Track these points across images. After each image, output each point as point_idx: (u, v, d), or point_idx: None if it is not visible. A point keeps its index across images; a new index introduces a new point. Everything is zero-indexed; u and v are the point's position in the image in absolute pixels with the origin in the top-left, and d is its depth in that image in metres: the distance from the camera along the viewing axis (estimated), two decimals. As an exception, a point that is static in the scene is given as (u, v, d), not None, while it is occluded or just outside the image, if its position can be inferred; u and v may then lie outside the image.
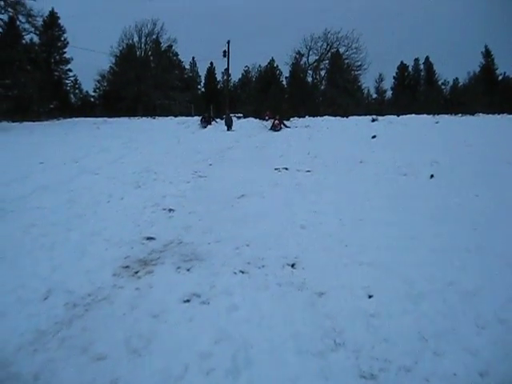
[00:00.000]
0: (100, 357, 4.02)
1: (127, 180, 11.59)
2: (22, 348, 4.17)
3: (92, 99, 59.55)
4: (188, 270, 6.01)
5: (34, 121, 30.89)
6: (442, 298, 4.87)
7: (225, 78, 56.74)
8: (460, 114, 30.02)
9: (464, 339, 4.09)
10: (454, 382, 3.55)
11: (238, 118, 32.86)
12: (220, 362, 3.85)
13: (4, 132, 23.58)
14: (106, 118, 33.69)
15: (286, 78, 61.52)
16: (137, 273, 5.97)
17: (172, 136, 22.09)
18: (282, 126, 26.16)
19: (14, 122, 29.80)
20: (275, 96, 47.18)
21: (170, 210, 9.09)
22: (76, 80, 57.83)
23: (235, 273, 5.85)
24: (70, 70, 54.81)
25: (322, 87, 59.29)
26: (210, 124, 28.82)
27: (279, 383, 3.59)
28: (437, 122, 23.67)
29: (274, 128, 25.45)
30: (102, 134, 23.13)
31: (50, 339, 4.33)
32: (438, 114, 28.66)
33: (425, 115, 27.53)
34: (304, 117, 31.76)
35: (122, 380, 3.67)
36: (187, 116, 35.32)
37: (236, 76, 67.22)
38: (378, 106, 55.66)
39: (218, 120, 29.96)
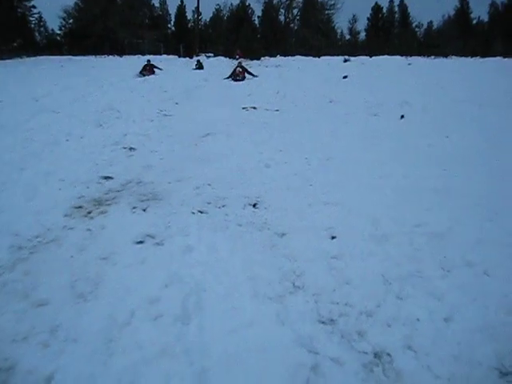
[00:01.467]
0: (42, 302, 3.73)
1: (88, 119, 11.10)
2: (-43, 295, 3.86)
3: (58, 38, 57.49)
4: (144, 210, 5.71)
5: (-6, 59, 29.61)
6: (408, 240, 4.66)
7: (195, 16, 55.00)
8: (433, 57, 29.84)
9: (429, 283, 3.89)
10: (417, 327, 3.35)
11: (208, 57, 32.11)
12: (169, 308, 3.58)
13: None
14: (70, 57, 32.65)
15: (258, 17, 60.05)
16: (90, 213, 5.65)
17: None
18: (246, 74, 20.86)
19: (-28, 59, 28.54)
20: (247, 35, 46.06)
21: (131, 148, 8.72)
22: (41, 17, 55.83)
23: (193, 213, 5.58)
24: (33, 7, 52.20)
25: (295, 27, 58.12)
26: (153, 74, 22.68)
27: (231, 329, 3.34)
28: (409, 64, 23.51)
29: (235, 77, 20.54)
30: (66, 72, 22.26)
31: (-12, 285, 4.04)
32: (411, 56, 28.40)
33: (398, 57, 27.40)
34: (275, 56, 31.21)
35: (63, 327, 3.39)
36: (155, 55, 34.28)
37: (207, 15, 65.78)
38: (351, 48, 55.02)
39: (161, 68, 24.07)
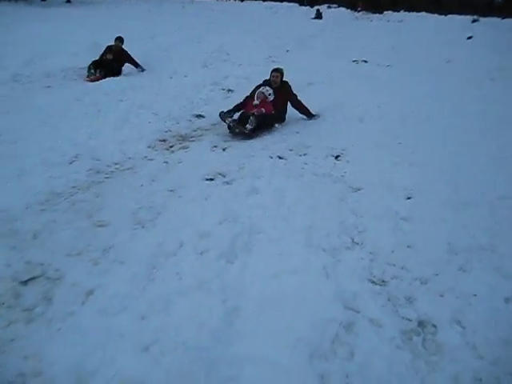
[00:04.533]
0: (102, 224, 3.88)
1: (196, 59, 11.34)
2: (31, 207, 4.09)
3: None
4: (224, 149, 5.77)
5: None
6: (488, 212, 4.28)
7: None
8: None
9: (499, 259, 3.54)
10: (470, 302, 3.06)
11: (329, 7, 31.19)
12: (217, 244, 3.56)
13: (87, 5, 23.54)
14: (192, -1, 32.98)
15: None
16: (171, 147, 5.83)
17: (255, 19, 21.30)
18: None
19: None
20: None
21: (229, 90, 8.82)
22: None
23: (271, 157, 5.52)
24: None
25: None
26: (116, 75, 9.49)
27: (274, 274, 3.25)
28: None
29: (234, 126, 6.36)
30: (186, 13, 22.63)
31: (60, 201, 4.25)
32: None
33: (536, 22, 25.16)
34: (399, 11, 29.78)
35: (115, 249, 3.49)
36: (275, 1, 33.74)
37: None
38: (486, 8, 51.48)
39: (143, 68, 10.00)
